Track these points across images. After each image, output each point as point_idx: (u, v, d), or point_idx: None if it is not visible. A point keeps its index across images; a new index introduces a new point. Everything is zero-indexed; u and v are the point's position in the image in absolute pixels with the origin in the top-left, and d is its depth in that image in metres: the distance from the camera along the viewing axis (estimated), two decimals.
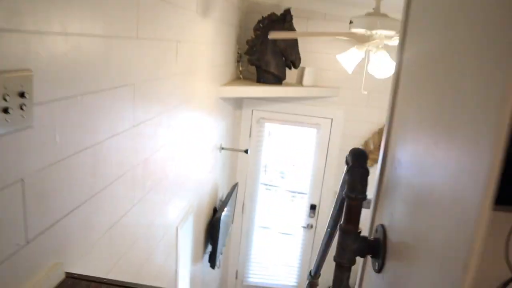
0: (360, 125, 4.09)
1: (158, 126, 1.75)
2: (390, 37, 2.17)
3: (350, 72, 2.44)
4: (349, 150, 0.91)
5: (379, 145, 4.14)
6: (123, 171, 1.45)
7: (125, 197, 1.49)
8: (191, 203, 2.57)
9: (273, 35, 2.63)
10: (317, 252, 1.56)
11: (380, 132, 4.07)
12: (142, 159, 1.62)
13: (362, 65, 2.57)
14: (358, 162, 0.85)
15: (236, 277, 4.64)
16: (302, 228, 4.46)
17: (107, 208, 1.35)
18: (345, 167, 0.96)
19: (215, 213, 3.38)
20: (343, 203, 1.21)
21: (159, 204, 1.90)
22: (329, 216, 1.26)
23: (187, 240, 2.64)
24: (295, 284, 4.65)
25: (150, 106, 1.63)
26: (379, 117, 4.04)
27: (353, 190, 0.84)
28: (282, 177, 4.74)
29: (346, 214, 0.86)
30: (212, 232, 3.15)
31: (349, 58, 2.38)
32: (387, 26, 2.18)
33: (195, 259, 2.93)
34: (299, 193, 4.60)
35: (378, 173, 0.94)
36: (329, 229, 1.27)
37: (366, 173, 0.85)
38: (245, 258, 4.59)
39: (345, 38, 2.35)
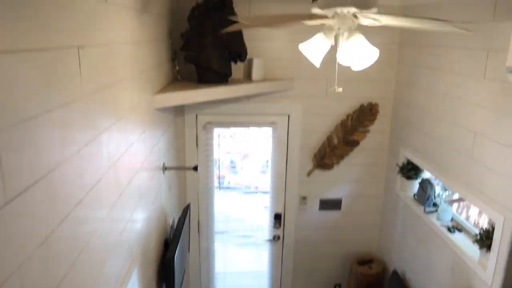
0: (320, 118, 3.61)
1: (59, 184, 1.13)
2: (365, 15, 1.66)
3: (318, 65, 1.92)
4: None
5: (344, 139, 3.70)
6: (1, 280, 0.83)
7: None
8: (133, 255, 1.96)
9: (226, 29, 2.03)
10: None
11: (343, 124, 3.61)
12: (37, 244, 1.00)
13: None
14: None
15: None
16: (268, 242, 3.94)
17: None
18: None
19: (167, 247, 2.78)
20: None
21: None
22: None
23: None
24: None
25: (37, 161, 1.01)
26: (341, 108, 3.59)
27: None
28: (236, 173, 4.35)
29: None
30: (165, 274, 2.54)
31: (315, 47, 1.86)
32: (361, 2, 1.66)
33: None
34: (263, 192, 4.08)
35: None
36: None
37: None
38: (209, 282, 4.02)
39: (313, 22, 1.82)
